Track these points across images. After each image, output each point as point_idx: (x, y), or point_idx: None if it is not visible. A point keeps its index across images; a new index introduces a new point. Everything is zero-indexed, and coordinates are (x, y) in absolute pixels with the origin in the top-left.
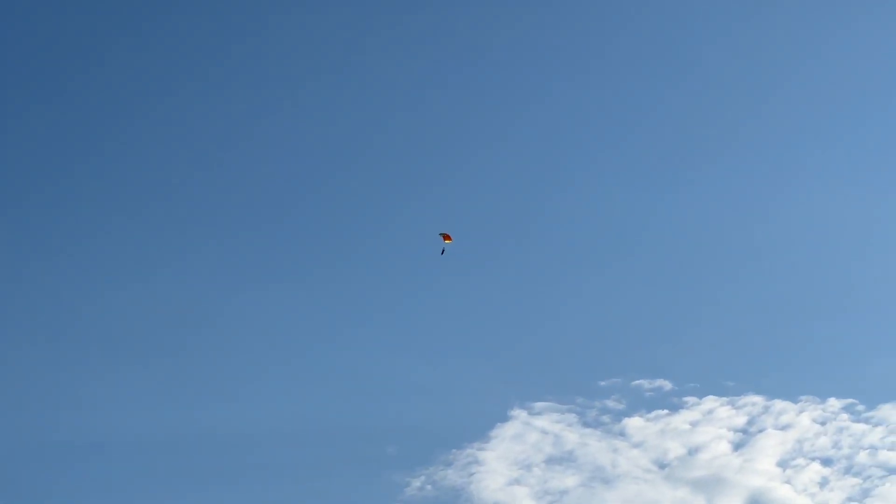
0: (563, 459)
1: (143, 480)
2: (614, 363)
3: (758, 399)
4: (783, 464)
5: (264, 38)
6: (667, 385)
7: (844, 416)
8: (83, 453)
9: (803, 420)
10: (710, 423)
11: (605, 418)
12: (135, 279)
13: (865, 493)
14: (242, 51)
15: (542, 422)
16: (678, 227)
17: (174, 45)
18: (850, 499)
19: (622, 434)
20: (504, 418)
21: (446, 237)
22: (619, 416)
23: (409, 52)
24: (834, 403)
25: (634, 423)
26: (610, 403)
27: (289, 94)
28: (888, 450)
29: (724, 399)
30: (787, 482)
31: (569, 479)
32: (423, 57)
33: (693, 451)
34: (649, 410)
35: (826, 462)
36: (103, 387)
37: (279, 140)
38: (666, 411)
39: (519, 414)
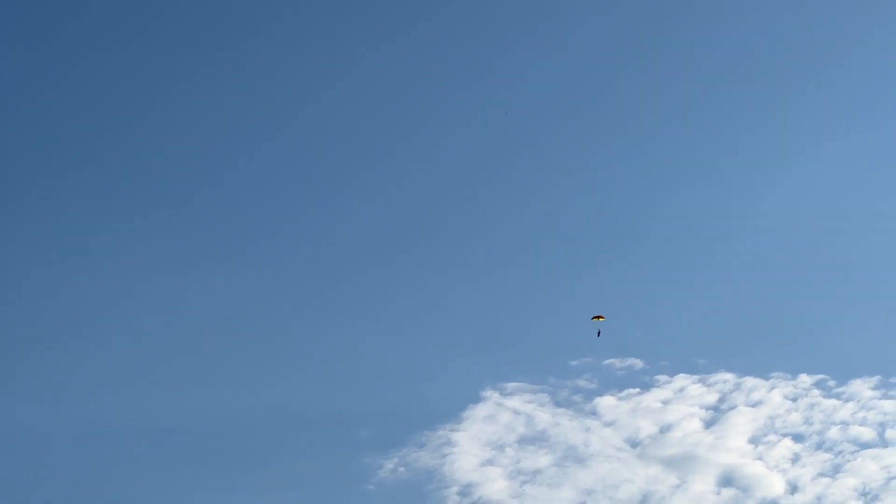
0: (535, 439)
1: (114, 469)
2: (585, 343)
3: (729, 376)
4: (755, 440)
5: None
6: (638, 364)
7: (815, 392)
8: (56, 444)
9: (774, 396)
10: (681, 401)
11: (577, 398)
12: (102, 268)
13: (837, 469)
14: (236, 49)
15: (514, 402)
16: (649, 210)
17: (169, 43)
18: (821, 474)
19: (594, 413)
20: (476, 399)
21: (599, 317)
22: (591, 395)
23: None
24: (805, 379)
25: (606, 402)
26: (581, 383)
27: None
28: (859, 425)
29: (696, 377)
30: (759, 458)
31: (541, 459)
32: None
33: (665, 430)
34: (621, 389)
35: (797, 438)
36: (73, 377)
37: (254, 130)
38: (637, 390)
39: (491, 395)
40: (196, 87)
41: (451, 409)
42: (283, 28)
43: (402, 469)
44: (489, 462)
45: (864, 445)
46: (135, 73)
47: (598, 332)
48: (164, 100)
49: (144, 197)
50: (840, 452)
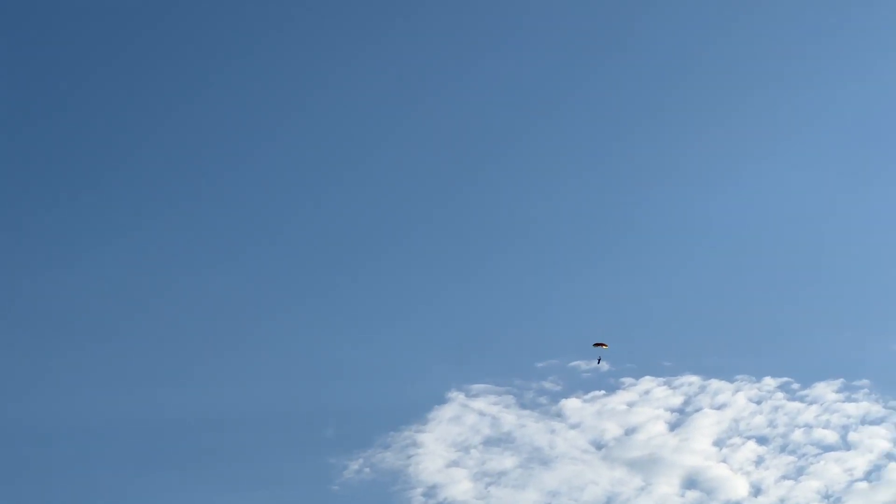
0: (500, 441)
1: (81, 466)
2: (551, 344)
3: (694, 379)
4: (719, 443)
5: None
6: (603, 366)
7: (780, 394)
8: (28, 442)
9: (739, 399)
10: (646, 403)
11: (543, 399)
12: (73, 263)
13: (800, 471)
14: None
15: (479, 403)
16: (616, 214)
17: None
18: (784, 476)
19: (559, 415)
20: (442, 400)
21: (602, 345)
22: (557, 397)
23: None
24: (769, 382)
25: (571, 405)
26: (547, 385)
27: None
28: (822, 427)
29: (661, 379)
30: (723, 461)
31: (507, 461)
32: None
33: (630, 432)
34: (586, 391)
35: (761, 440)
36: (41, 372)
37: (231, 128)
38: (603, 392)
39: (456, 396)
40: (176, 85)
41: (417, 411)
42: (274, 26)
43: (367, 470)
44: (454, 463)
45: (828, 448)
46: (123, 71)
47: (599, 360)
48: (146, 98)
49: (116, 196)
50: (803, 455)
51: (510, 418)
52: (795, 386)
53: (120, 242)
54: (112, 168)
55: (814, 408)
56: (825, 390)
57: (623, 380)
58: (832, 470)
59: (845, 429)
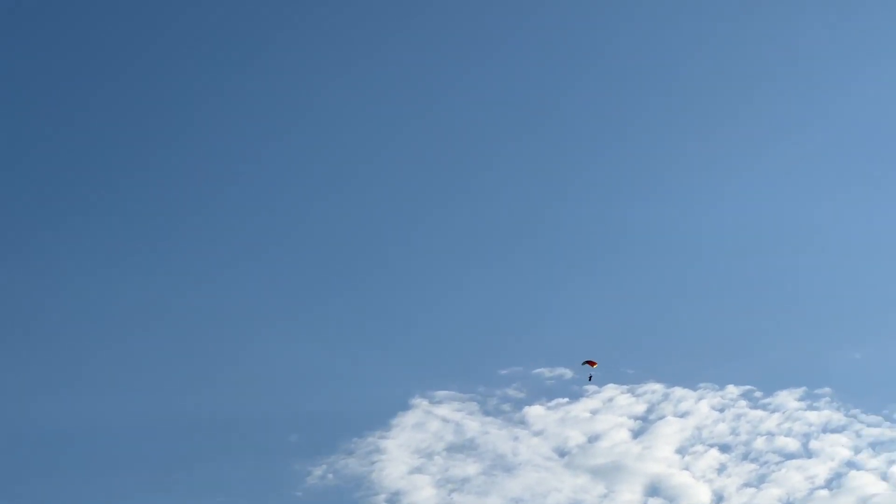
0: (464, 447)
1: (41, 473)
2: (514, 351)
3: (657, 387)
4: (682, 451)
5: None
6: (567, 373)
7: (742, 402)
8: None
9: (702, 407)
10: (610, 410)
11: (506, 406)
12: (19, 268)
13: (762, 479)
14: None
15: (443, 410)
16: (579, 217)
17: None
18: (746, 484)
19: (523, 422)
20: (405, 407)
21: (591, 363)
22: (520, 404)
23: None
24: (732, 390)
25: (535, 412)
26: (510, 392)
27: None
28: (784, 436)
29: (625, 387)
30: (686, 469)
31: (470, 467)
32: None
33: (593, 439)
34: (550, 399)
35: (724, 448)
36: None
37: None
38: (566, 399)
39: (420, 402)
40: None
41: (380, 417)
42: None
43: (330, 476)
44: (418, 470)
45: (789, 456)
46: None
47: (590, 377)
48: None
49: (59, 197)
50: (765, 463)
51: (474, 425)
52: (758, 394)
53: (65, 243)
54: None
55: (776, 416)
56: (787, 398)
57: (587, 387)
58: (794, 478)
59: (807, 437)
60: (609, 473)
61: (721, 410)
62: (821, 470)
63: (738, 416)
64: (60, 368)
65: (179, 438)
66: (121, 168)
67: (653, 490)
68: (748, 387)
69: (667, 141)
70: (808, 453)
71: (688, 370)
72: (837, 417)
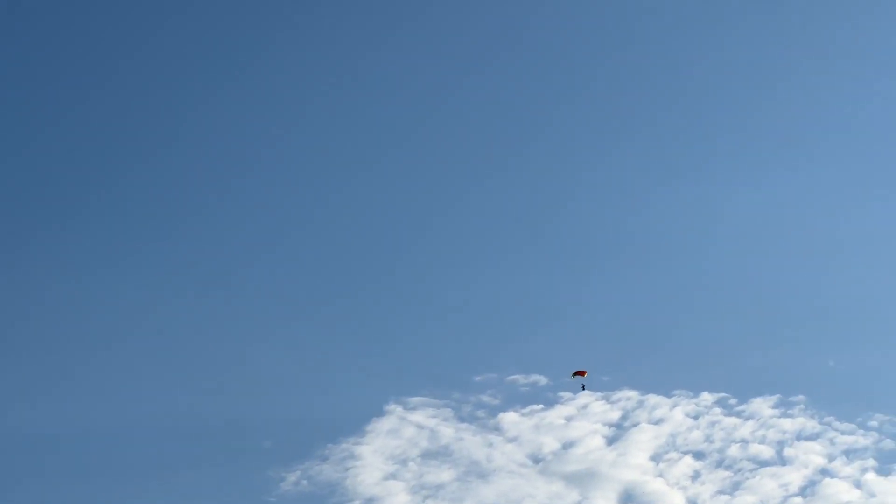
0: (438, 454)
1: (12, 478)
2: (489, 358)
3: (632, 394)
4: (656, 458)
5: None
6: (542, 380)
7: (717, 410)
8: None
9: (676, 414)
10: (584, 417)
11: (481, 413)
12: (23, 270)
13: (736, 486)
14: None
15: (417, 416)
16: (554, 226)
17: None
18: (720, 492)
19: (497, 429)
20: (380, 413)
21: (581, 373)
22: (495, 410)
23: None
24: (707, 398)
25: (509, 418)
26: (485, 398)
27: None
28: (758, 443)
29: (599, 394)
30: (660, 476)
31: (444, 474)
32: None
33: (567, 446)
34: (524, 405)
35: (698, 455)
36: None
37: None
38: (541, 406)
39: (394, 409)
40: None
41: (355, 423)
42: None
43: (304, 482)
44: (392, 476)
45: (763, 463)
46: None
47: (583, 387)
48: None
49: (53, 199)
50: (739, 470)
51: (448, 431)
52: (732, 401)
53: (42, 246)
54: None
55: (750, 423)
56: (762, 406)
57: (561, 394)
58: (767, 485)
59: (781, 444)
60: (583, 480)
61: (695, 418)
62: (795, 477)
63: (713, 424)
64: (37, 374)
65: (153, 445)
66: (117, 171)
67: (627, 497)
68: (722, 394)
69: (644, 147)
70: (782, 461)
71: (662, 377)
72: (811, 425)
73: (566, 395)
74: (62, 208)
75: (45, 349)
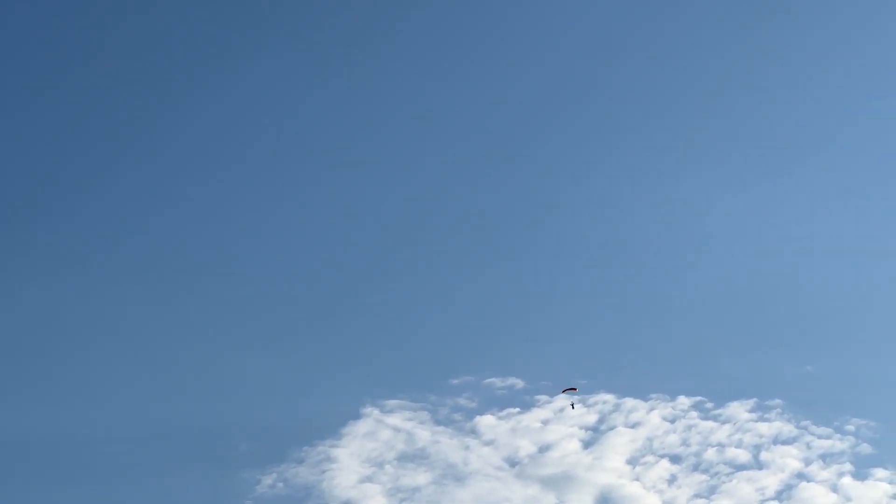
0: (415, 457)
1: None
2: (466, 361)
3: (609, 397)
4: (632, 461)
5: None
6: (519, 383)
7: (693, 413)
8: None
9: (653, 418)
10: (561, 421)
11: (457, 416)
12: None
13: (712, 490)
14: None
15: (394, 419)
16: (530, 229)
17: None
18: (697, 495)
19: (474, 432)
20: (356, 416)
21: (572, 389)
22: (471, 414)
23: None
24: (683, 401)
25: (486, 422)
26: (462, 401)
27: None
28: (735, 447)
29: (576, 397)
30: (636, 479)
31: (420, 477)
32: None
33: (544, 449)
34: (501, 409)
35: (674, 459)
36: None
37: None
38: (517, 409)
39: (371, 411)
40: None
41: (331, 425)
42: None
43: (280, 485)
44: (368, 479)
45: (740, 467)
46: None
47: (572, 405)
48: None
49: (17, 198)
50: (716, 474)
51: (425, 434)
52: (709, 405)
53: (23, 248)
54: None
55: (727, 427)
56: (738, 410)
57: (538, 397)
58: (744, 489)
59: (757, 448)
60: (559, 483)
61: (672, 421)
62: (771, 481)
63: (689, 427)
64: (5, 378)
65: (129, 448)
66: (98, 167)
67: (603, 500)
68: (699, 398)
69: (624, 151)
70: (758, 465)
71: (639, 381)
72: (788, 429)
73: (543, 398)
74: (40, 205)
75: (20, 352)
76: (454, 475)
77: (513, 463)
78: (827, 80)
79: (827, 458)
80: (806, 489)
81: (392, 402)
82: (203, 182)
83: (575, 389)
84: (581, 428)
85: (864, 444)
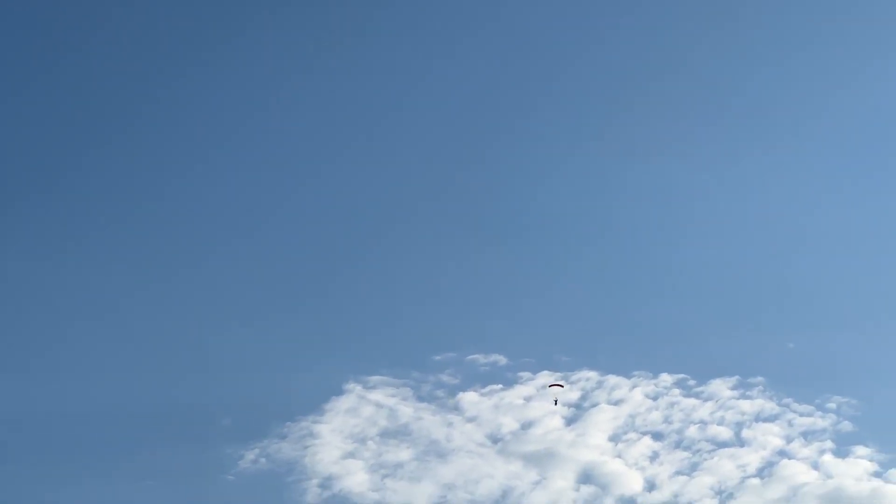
0: (397, 433)
1: None
2: (449, 338)
3: (591, 374)
4: (615, 438)
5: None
6: (501, 360)
7: (676, 391)
8: None
9: (636, 395)
10: (543, 398)
11: (440, 392)
12: None
13: (694, 467)
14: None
15: (376, 395)
16: (516, 206)
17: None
18: (678, 472)
19: (456, 408)
20: (339, 391)
21: (557, 385)
22: (454, 390)
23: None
24: (666, 378)
25: (469, 398)
26: (444, 378)
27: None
28: (717, 424)
29: (559, 374)
30: (619, 456)
31: (403, 453)
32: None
33: (526, 426)
34: (484, 385)
35: (657, 436)
36: None
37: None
38: (500, 386)
39: (354, 387)
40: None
41: (314, 401)
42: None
43: (262, 460)
44: (350, 455)
45: (721, 444)
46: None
47: (556, 401)
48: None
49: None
50: (698, 451)
51: (407, 410)
52: (692, 382)
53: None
54: None
55: (709, 404)
56: (721, 387)
57: (520, 374)
58: (725, 466)
59: (739, 426)
60: (542, 460)
61: (654, 398)
62: (752, 458)
63: (672, 405)
64: None
65: (111, 423)
66: (77, 145)
67: (585, 477)
68: (682, 375)
69: (609, 129)
70: (740, 442)
71: (622, 358)
72: (770, 406)
73: (525, 375)
74: (21, 182)
75: (7, 333)
76: (437, 451)
77: (495, 440)
78: (812, 59)
79: (808, 435)
80: (787, 466)
81: (375, 379)
82: (184, 161)
83: (562, 386)
84: (563, 405)
85: (846, 422)
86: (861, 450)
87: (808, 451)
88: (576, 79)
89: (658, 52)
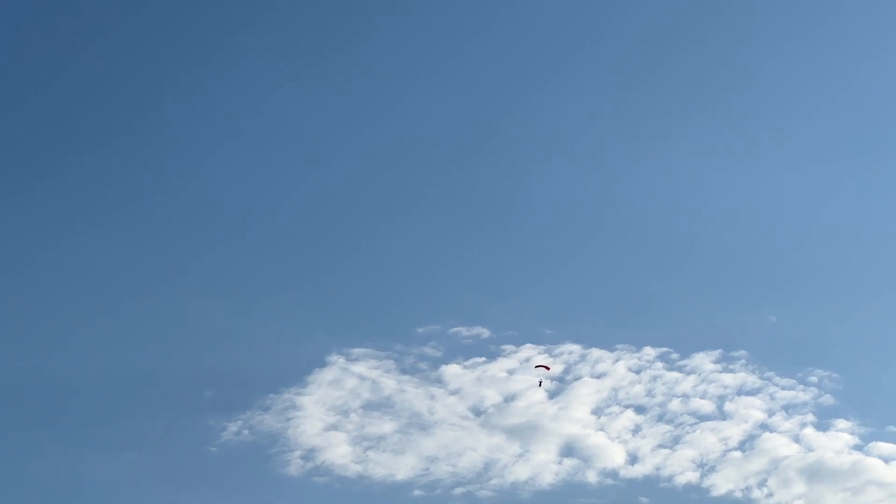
0: (380, 405)
1: None
2: (432, 310)
3: (575, 347)
4: (598, 411)
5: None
6: (485, 333)
7: (659, 364)
8: None
9: (619, 368)
10: (526, 370)
11: (423, 365)
12: None
13: (676, 440)
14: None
15: (359, 368)
16: (495, 179)
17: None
18: (661, 445)
19: (439, 381)
20: (322, 364)
21: (544, 367)
22: (437, 363)
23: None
24: (649, 352)
25: (452, 371)
26: (428, 350)
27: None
28: (699, 398)
29: (542, 347)
30: (601, 429)
31: (386, 425)
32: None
33: (509, 399)
34: (467, 358)
35: (639, 410)
36: None
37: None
38: (483, 359)
39: (337, 359)
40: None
41: (297, 373)
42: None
43: (245, 432)
44: (333, 427)
45: (704, 418)
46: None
47: (540, 383)
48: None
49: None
50: (680, 424)
51: (390, 383)
52: (674, 356)
53: None
54: None
55: (692, 378)
56: (703, 361)
57: (503, 347)
58: (707, 439)
59: (721, 399)
60: (524, 433)
61: (637, 372)
62: (734, 432)
63: (655, 378)
64: None
65: (93, 394)
66: (66, 129)
67: (568, 450)
68: (665, 349)
69: (595, 108)
70: (722, 415)
71: (605, 331)
72: (752, 380)
73: (509, 348)
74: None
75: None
76: (419, 424)
77: (478, 412)
78: (808, 50)
79: (790, 409)
80: (768, 440)
81: (358, 351)
82: (176, 142)
83: (548, 369)
84: (547, 378)
85: (827, 396)
86: (842, 423)
87: (789, 424)
88: (562, 63)
89: (658, 41)
